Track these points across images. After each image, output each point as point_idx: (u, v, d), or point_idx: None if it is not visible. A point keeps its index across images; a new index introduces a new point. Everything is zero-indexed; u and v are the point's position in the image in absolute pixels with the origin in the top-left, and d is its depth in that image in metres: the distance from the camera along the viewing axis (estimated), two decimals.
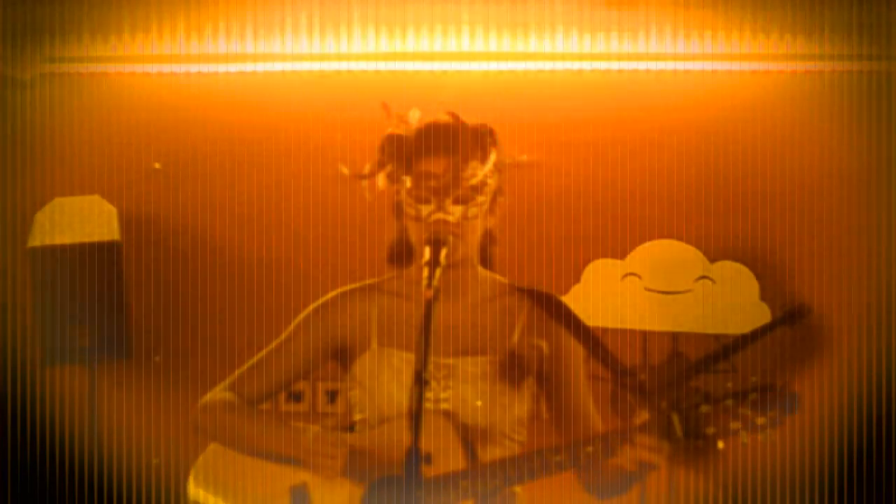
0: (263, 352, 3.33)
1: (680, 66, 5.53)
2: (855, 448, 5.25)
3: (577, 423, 3.27)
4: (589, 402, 3.28)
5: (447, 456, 3.12)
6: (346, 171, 3.35)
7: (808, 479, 5.31)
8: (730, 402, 2.98)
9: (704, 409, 2.99)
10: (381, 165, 3.28)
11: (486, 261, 3.34)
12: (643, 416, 3.07)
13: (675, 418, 3.00)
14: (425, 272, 3.04)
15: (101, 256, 5.18)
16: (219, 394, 3.30)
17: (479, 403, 3.21)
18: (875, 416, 5.25)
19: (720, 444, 2.98)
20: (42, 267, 5.16)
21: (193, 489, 3.25)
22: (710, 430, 2.98)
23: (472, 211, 3.18)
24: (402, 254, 3.32)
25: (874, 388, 5.32)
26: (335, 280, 3.42)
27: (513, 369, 3.22)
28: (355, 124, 3.61)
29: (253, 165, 5.54)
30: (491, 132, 3.25)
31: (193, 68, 5.57)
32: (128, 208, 5.42)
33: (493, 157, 3.23)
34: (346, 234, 5.25)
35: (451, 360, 3.21)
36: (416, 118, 3.27)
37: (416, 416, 2.85)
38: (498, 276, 3.34)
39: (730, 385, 3.00)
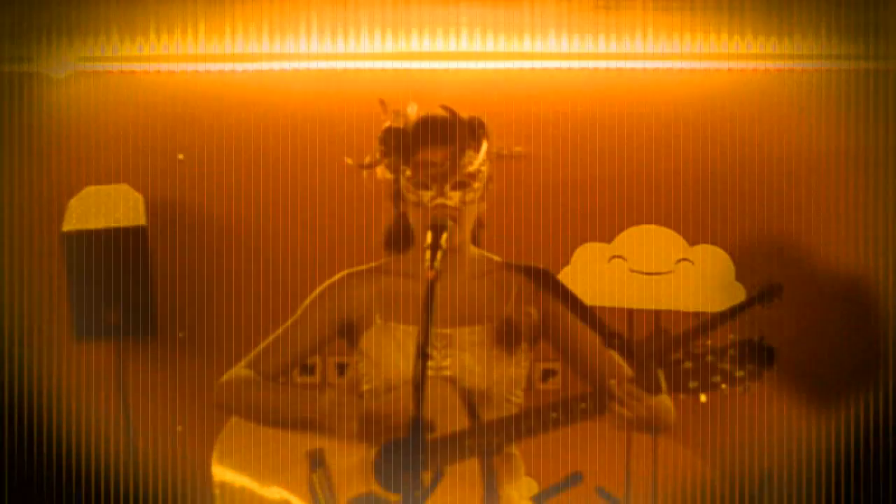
0: (278, 331, 3.42)
1: (666, 64, 5.59)
2: (852, 435, 5.29)
3: (595, 364, 3.33)
4: (596, 344, 3.27)
5: (452, 418, 3.21)
6: (350, 161, 3.45)
7: (796, 452, 5.39)
8: (710, 357, 3.08)
9: (687, 365, 3.11)
10: (381, 156, 3.38)
11: (476, 242, 3.44)
12: (630, 372, 3.21)
13: (661, 374, 3.13)
14: (427, 255, 3.12)
15: (128, 240, 5.29)
16: (237, 371, 3.39)
17: (477, 369, 3.30)
18: (863, 402, 5.32)
19: (703, 398, 3.10)
20: (75, 250, 5.26)
21: (217, 466, 3.34)
22: (693, 385, 3.10)
23: (470, 196, 3.29)
24: (399, 239, 3.42)
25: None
26: (343, 262, 3.52)
27: (508, 335, 3.31)
28: (362, 119, 3.83)
29: (268, 157, 5.58)
30: (482, 124, 3.35)
31: (213, 67, 5.62)
32: (153, 196, 5.50)
33: (485, 147, 3.32)
34: (354, 220, 5.34)
35: (449, 331, 3.32)
36: (413, 112, 3.36)
37: (418, 387, 2.93)
38: (491, 255, 3.45)
39: (710, 342, 3.10)
